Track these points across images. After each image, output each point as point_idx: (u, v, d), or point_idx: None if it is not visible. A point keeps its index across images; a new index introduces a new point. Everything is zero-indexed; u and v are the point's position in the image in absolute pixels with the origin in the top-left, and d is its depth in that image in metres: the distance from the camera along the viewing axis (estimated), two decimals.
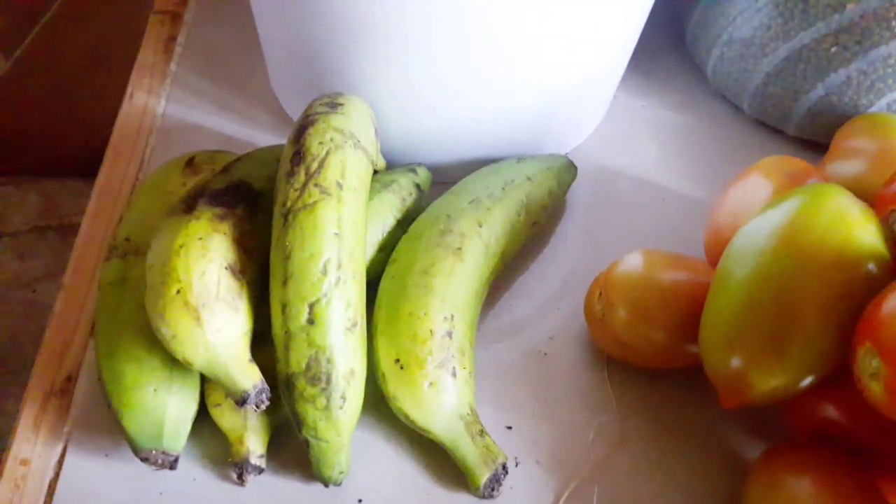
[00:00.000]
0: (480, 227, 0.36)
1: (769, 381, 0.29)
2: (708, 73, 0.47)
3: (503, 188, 0.37)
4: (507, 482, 0.32)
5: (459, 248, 0.34)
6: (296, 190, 0.30)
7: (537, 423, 0.35)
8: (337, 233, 0.30)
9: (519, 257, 0.40)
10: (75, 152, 0.84)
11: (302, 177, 0.30)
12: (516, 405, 0.35)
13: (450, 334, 0.32)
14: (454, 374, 0.32)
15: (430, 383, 0.31)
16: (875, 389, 0.27)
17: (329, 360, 0.29)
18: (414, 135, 0.40)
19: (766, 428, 0.35)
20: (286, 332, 0.28)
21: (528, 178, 0.38)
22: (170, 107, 0.45)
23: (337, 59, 0.38)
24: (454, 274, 0.34)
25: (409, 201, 0.37)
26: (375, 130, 0.36)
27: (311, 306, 0.28)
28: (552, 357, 0.37)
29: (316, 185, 0.30)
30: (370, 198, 0.36)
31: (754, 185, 0.37)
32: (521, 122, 0.41)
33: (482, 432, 0.32)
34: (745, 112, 0.47)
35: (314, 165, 0.30)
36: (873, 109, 0.42)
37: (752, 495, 0.30)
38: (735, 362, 0.30)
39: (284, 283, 0.29)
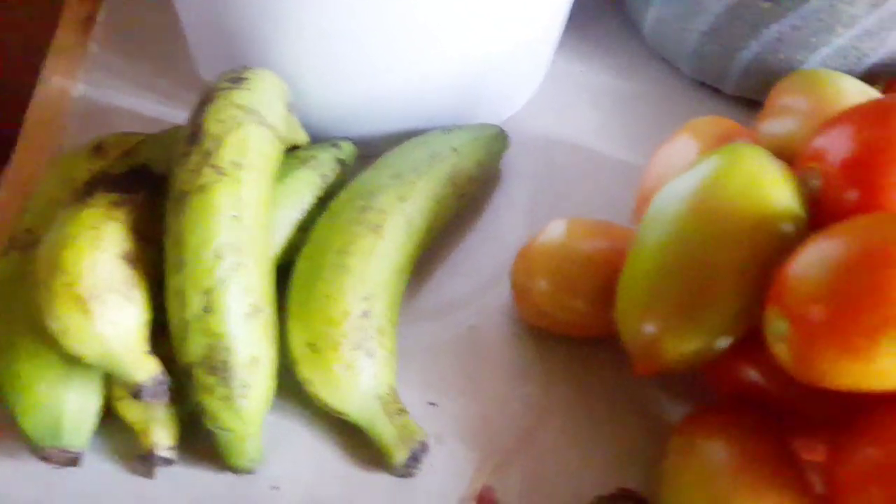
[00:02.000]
0: (403, 202, 0.34)
1: (681, 346, 0.29)
2: (645, 33, 0.46)
3: (427, 161, 0.36)
4: (429, 460, 0.32)
5: (379, 226, 0.33)
6: (188, 172, 0.28)
7: (463, 399, 0.34)
8: (235, 215, 0.28)
9: (449, 230, 0.39)
10: None
11: (195, 157, 0.28)
12: (442, 382, 0.34)
13: (367, 314, 0.31)
14: (371, 355, 0.31)
15: (345, 366, 0.30)
16: (783, 352, 0.26)
17: (227, 349, 0.27)
18: (339, 108, 0.39)
19: (692, 393, 0.34)
20: (182, 321, 0.27)
21: (455, 150, 0.37)
22: (89, 89, 0.43)
23: (255, 33, 0.36)
24: (373, 252, 0.33)
25: (331, 177, 0.36)
26: (290, 105, 0.35)
27: (206, 293, 0.27)
28: (481, 331, 0.36)
29: (211, 165, 0.28)
30: (286, 175, 0.35)
31: (681, 148, 0.36)
32: (450, 92, 0.39)
33: (401, 411, 0.31)
34: (684, 73, 0.46)
35: (210, 145, 0.29)
36: (807, 66, 0.41)
37: (670, 460, 0.29)
38: (648, 328, 0.29)
39: (178, 270, 0.28)
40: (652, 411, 0.34)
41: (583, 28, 0.47)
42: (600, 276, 0.33)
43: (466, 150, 0.37)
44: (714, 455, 0.28)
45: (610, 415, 0.34)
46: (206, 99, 0.31)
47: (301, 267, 0.33)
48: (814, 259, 0.26)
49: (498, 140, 0.40)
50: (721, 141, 0.36)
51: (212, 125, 0.29)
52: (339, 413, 0.31)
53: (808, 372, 0.26)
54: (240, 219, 0.29)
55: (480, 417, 0.33)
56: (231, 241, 0.28)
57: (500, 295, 0.37)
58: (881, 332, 0.24)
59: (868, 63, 0.41)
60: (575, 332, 0.35)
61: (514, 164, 0.42)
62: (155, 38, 0.46)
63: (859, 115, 0.30)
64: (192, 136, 0.29)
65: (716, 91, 0.45)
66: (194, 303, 0.27)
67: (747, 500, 0.27)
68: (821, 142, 0.30)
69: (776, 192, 0.29)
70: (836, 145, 0.29)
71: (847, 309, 0.24)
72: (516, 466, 0.32)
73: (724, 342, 0.29)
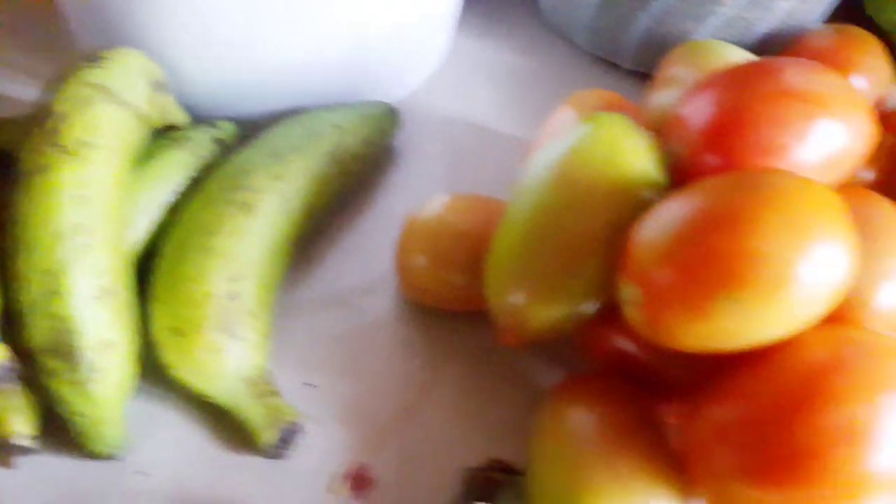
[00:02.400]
0: (278, 181, 0.34)
1: (545, 314, 0.29)
2: (544, 9, 0.46)
3: (307, 139, 0.35)
4: (305, 440, 0.31)
5: (251, 205, 0.33)
6: (30, 152, 0.27)
7: (343, 380, 0.33)
8: (80, 195, 0.28)
9: (339, 210, 0.38)
10: None
11: (38, 137, 0.28)
12: (323, 363, 0.34)
13: (233, 296, 0.31)
14: (236, 337, 0.30)
15: (208, 349, 0.30)
16: (634, 316, 0.26)
17: (73, 332, 0.27)
18: (220, 88, 0.38)
19: (574, 362, 0.34)
20: (23, 305, 0.27)
21: (338, 127, 0.36)
22: None
23: (130, 12, 0.35)
24: (243, 232, 0.32)
25: (208, 158, 0.35)
26: (158, 84, 0.34)
27: (49, 275, 0.27)
28: (366, 311, 0.35)
29: (54, 144, 0.27)
30: (155, 156, 0.34)
31: (562, 121, 0.36)
32: (339, 69, 0.39)
33: (271, 393, 0.31)
34: (584, 49, 0.45)
35: (55, 124, 0.28)
36: (697, 36, 0.41)
37: (537, 428, 0.29)
38: (512, 297, 0.29)
39: (19, 252, 0.27)
40: (534, 382, 0.34)
41: (486, 6, 0.47)
42: (477, 250, 0.32)
43: (351, 128, 0.37)
44: (574, 422, 0.28)
45: (491, 388, 0.33)
46: (58, 78, 0.30)
47: (167, 249, 0.32)
48: (657, 223, 0.26)
49: (388, 118, 0.39)
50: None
51: (59, 104, 0.29)
52: (205, 396, 0.31)
53: (657, 334, 0.26)
54: (87, 199, 0.28)
55: (360, 397, 0.33)
56: (77, 222, 0.27)
57: (388, 274, 0.37)
58: (717, 291, 0.24)
59: (758, 33, 0.41)
60: (456, 306, 0.34)
61: (412, 142, 0.42)
62: (37, 23, 0.45)
63: (718, 81, 0.29)
64: (38, 116, 0.28)
65: (615, 66, 0.45)
66: (35, 285, 0.26)
67: (601, 466, 0.26)
68: (683, 109, 0.30)
69: (635, 159, 0.29)
70: (696, 112, 0.29)
71: (686, 269, 0.24)
72: (393, 443, 0.32)
73: (588, 309, 0.29)
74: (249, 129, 0.39)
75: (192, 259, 0.31)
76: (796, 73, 0.29)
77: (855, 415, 0.23)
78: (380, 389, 0.33)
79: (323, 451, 0.32)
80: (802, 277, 0.24)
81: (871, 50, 0.40)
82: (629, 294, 0.26)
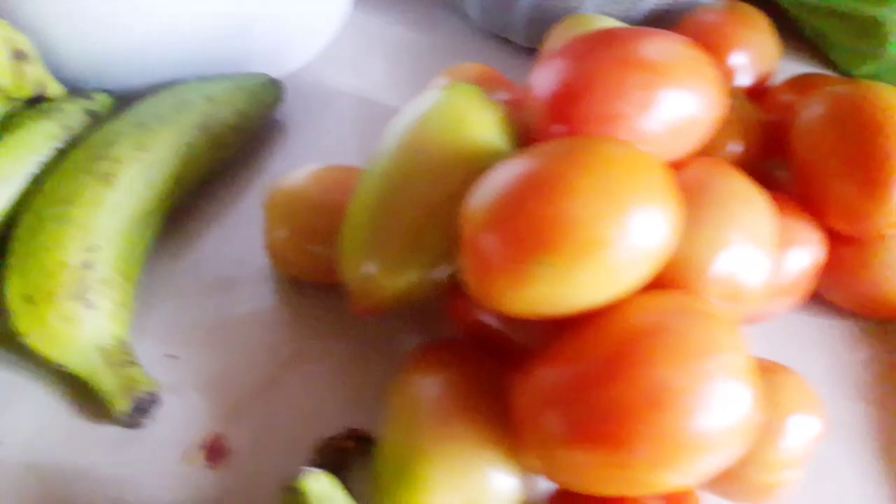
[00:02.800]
0: (142, 151, 0.34)
1: (394, 282, 0.29)
2: None
3: (175, 109, 0.35)
4: (164, 411, 0.32)
5: (111, 175, 0.32)
6: None
7: (206, 351, 0.33)
8: None
9: (217, 181, 0.38)
10: None
11: None
12: (190, 334, 0.34)
13: (89, 265, 0.31)
14: (92, 307, 0.30)
15: (61, 317, 0.30)
16: (468, 282, 0.26)
17: None
18: (96, 58, 0.38)
19: (439, 332, 0.34)
20: None
21: (209, 98, 0.36)
22: None
23: None
24: (101, 202, 0.32)
25: (77, 129, 0.35)
26: (19, 52, 0.33)
27: None
28: (236, 284, 0.35)
29: None
30: (20, 127, 0.34)
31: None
32: (221, 41, 0.39)
33: (129, 363, 0.31)
34: (478, 24, 0.45)
35: None
36: (582, 11, 0.41)
37: (389, 396, 0.29)
38: (363, 265, 0.29)
39: None
40: (398, 352, 0.34)
41: None
42: (338, 220, 0.32)
43: (224, 99, 0.37)
44: (419, 389, 0.28)
45: (356, 358, 0.34)
46: None
47: (25, 219, 0.32)
48: (483, 190, 0.26)
49: (268, 89, 0.39)
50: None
51: None
52: (59, 365, 0.31)
53: (488, 300, 0.26)
54: None
55: (222, 368, 0.33)
56: None
57: (258, 246, 0.36)
58: (533, 255, 0.24)
59: (644, 8, 0.41)
60: (322, 278, 0.34)
61: (301, 115, 0.41)
62: None
63: (565, 52, 0.30)
64: None
65: (509, 42, 0.45)
66: None
67: (437, 432, 0.27)
68: (533, 79, 0.30)
69: (481, 129, 0.29)
70: (543, 82, 0.29)
71: (505, 235, 0.25)
72: (252, 414, 0.32)
73: (438, 277, 0.29)
74: (128, 101, 0.38)
75: (49, 228, 0.31)
76: (641, 43, 0.29)
77: (669, 379, 0.24)
78: (243, 361, 0.33)
79: (181, 421, 0.32)
80: (617, 242, 0.24)
81: (757, 26, 0.41)
82: (462, 260, 0.26)
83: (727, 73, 0.39)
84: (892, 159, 0.32)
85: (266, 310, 0.35)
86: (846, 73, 0.48)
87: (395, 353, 0.34)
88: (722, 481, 0.30)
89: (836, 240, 0.36)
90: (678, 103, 0.28)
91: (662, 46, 0.29)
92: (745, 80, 0.39)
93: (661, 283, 0.27)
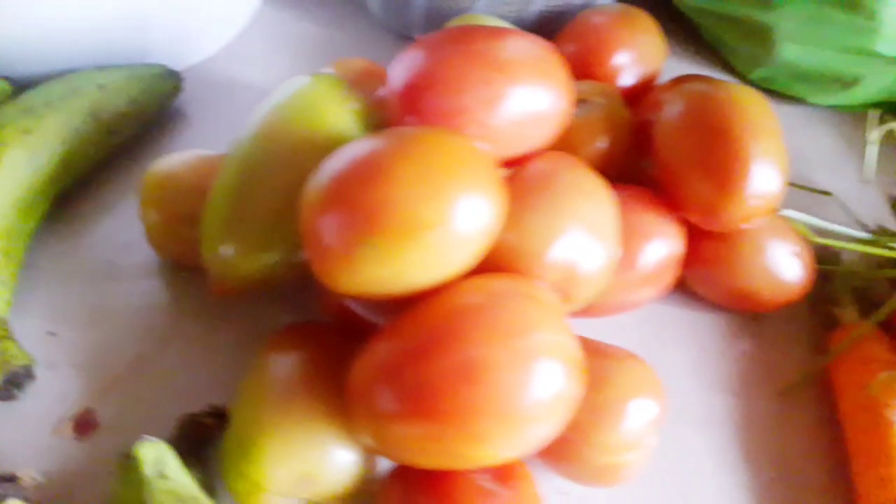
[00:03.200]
0: (27, 135, 0.35)
1: (251, 265, 0.30)
2: None
3: (64, 96, 0.37)
4: (38, 385, 0.33)
5: None
6: None
7: (85, 329, 0.35)
8: None
9: (113, 168, 0.39)
10: None
11: None
12: (71, 313, 0.35)
13: None
14: None
15: None
16: (311, 264, 0.27)
17: None
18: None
19: (312, 314, 0.35)
20: None
21: (100, 86, 0.38)
22: None
23: None
24: None
25: None
26: None
27: None
28: (119, 266, 0.37)
29: None
30: None
31: None
32: (119, 32, 0.40)
33: (4, 337, 0.32)
34: (380, 22, 0.47)
35: None
36: (474, 11, 0.42)
37: (245, 375, 0.30)
38: (222, 247, 0.30)
39: None
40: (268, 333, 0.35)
41: None
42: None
43: (116, 87, 0.38)
44: (269, 367, 0.30)
45: (229, 339, 0.35)
46: None
47: None
48: (319, 176, 0.27)
49: (164, 80, 0.40)
50: (357, 78, 0.38)
51: None
52: None
53: (328, 281, 0.27)
54: None
55: (98, 346, 0.34)
56: None
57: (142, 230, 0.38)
58: (359, 237, 0.25)
59: (535, 10, 0.43)
60: (195, 261, 0.35)
61: (201, 106, 0.43)
62: None
63: (418, 46, 0.31)
64: None
65: (412, 40, 0.46)
66: None
67: (280, 408, 0.28)
68: (390, 71, 0.31)
69: (336, 118, 0.31)
70: (396, 75, 0.31)
71: (334, 218, 0.26)
72: (124, 390, 0.33)
73: (294, 259, 0.30)
74: (28, 88, 0.39)
75: None
76: (489, 41, 0.30)
77: (483, 355, 0.25)
78: (120, 340, 0.35)
79: (55, 395, 0.33)
80: (439, 225, 0.25)
81: (643, 29, 0.42)
82: (304, 243, 0.27)
83: (611, 73, 0.41)
84: (743, 156, 0.33)
85: (146, 293, 0.36)
86: (743, 78, 0.50)
87: (263, 334, 0.35)
88: (565, 462, 0.32)
89: (701, 235, 0.37)
90: (523, 100, 0.30)
91: (510, 44, 0.30)
92: (628, 79, 0.41)
93: (499, 267, 0.29)
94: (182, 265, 0.36)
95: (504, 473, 0.28)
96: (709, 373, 0.37)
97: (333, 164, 0.27)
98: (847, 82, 0.46)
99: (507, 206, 0.27)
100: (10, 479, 0.29)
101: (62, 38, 0.39)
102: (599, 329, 0.33)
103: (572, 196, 0.30)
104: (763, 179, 0.33)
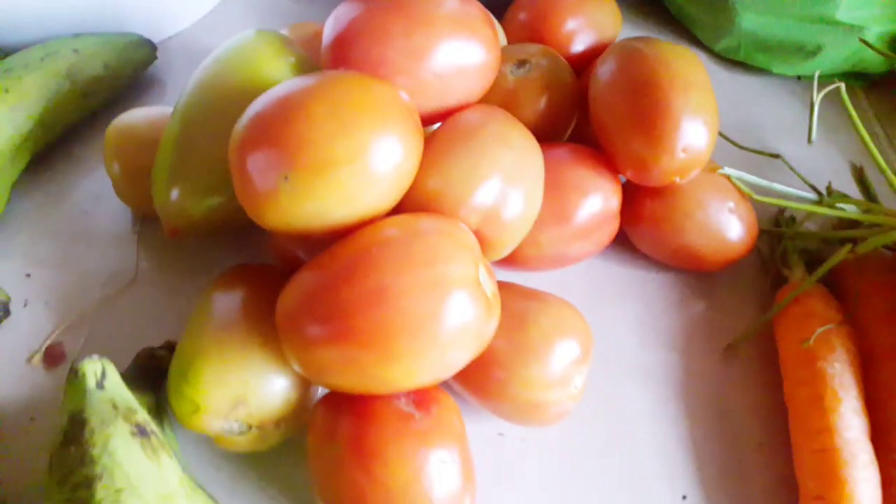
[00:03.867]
0: (6, 93, 0.38)
1: (197, 208, 0.33)
2: None
3: (41, 59, 0.39)
4: (11, 322, 0.36)
5: None
6: None
7: (58, 270, 0.38)
8: None
9: (88, 127, 0.42)
10: None
11: None
12: (47, 256, 0.38)
13: None
14: None
15: None
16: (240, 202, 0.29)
17: None
18: None
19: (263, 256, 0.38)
20: None
21: (76, 51, 0.40)
22: None
23: None
24: None
25: None
26: None
27: None
28: (91, 215, 0.40)
29: None
30: None
31: None
32: (97, 3, 0.42)
33: None
34: None
35: None
36: None
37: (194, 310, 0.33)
38: (172, 191, 0.33)
39: None
40: None
41: None
42: None
43: (91, 52, 0.41)
44: (213, 302, 0.32)
45: (189, 281, 0.37)
46: None
47: None
48: (244, 117, 0.28)
49: (137, 48, 0.43)
50: (308, 39, 0.40)
51: None
52: None
53: (255, 217, 0.29)
54: None
55: (69, 286, 0.37)
56: None
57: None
58: (276, 173, 0.27)
59: None
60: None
61: (175, 74, 0.46)
62: None
63: (351, 2, 0.32)
64: None
65: None
66: None
67: (217, 335, 0.30)
68: (325, 26, 0.33)
69: (273, 70, 0.33)
70: (329, 28, 0.32)
71: (255, 155, 0.28)
72: (91, 327, 0.36)
73: (232, 201, 0.31)
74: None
75: None
76: None
77: (391, 282, 0.27)
78: (89, 282, 0.37)
79: (26, 331, 0.36)
80: (350, 163, 0.27)
81: None
82: (233, 181, 0.30)
83: (563, 40, 0.42)
84: (671, 110, 0.34)
85: (113, 239, 0.39)
86: (709, 49, 0.50)
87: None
88: (495, 400, 0.33)
89: (644, 193, 0.38)
90: (447, 52, 0.31)
91: (435, 0, 0.32)
92: (580, 46, 0.42)
93: (425, 210, 0.30)
94: (145, 214, 0.39)
95: (423, 399, 0.30)
96: (654, 330, 0.38)
97: (256, 107, 0.29)
98: (809, 51, 0.47)
99: (421, 147, 0.29)
100: None
101: (41, 9, 0.42)
102: (543, 284, 0.35)
103: (497, 146, 0.31)
104: (692, 133, 0.34)
